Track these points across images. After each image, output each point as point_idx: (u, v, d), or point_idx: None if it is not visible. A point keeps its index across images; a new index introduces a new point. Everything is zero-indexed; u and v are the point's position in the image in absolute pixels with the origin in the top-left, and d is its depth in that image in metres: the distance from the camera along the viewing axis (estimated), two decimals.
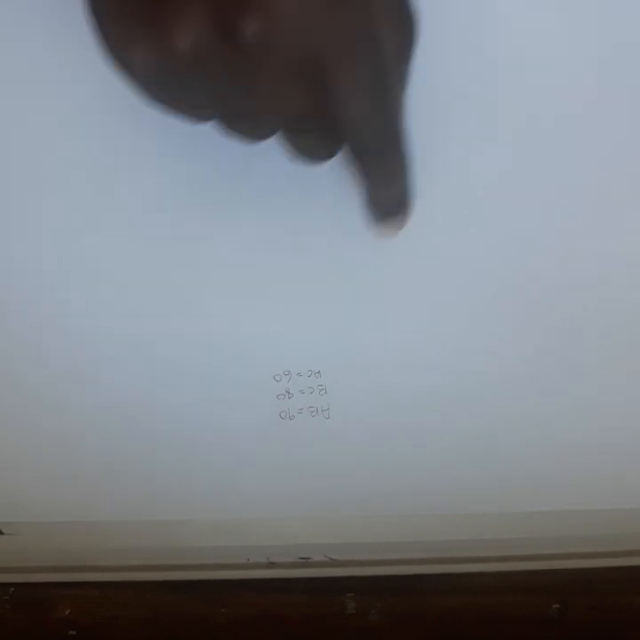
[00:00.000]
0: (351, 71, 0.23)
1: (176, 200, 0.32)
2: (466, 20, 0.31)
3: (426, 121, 0.31)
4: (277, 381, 0.34)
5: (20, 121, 0.32)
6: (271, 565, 0.38)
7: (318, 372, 0.34)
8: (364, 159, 0.26)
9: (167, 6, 0.22)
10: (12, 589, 0.38)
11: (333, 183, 0.32)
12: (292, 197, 0.32)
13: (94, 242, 0.33)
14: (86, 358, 0.34)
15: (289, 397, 0.34)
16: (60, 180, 0.32)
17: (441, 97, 0.31)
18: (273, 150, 0.29)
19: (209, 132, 0.26)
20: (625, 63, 0.31)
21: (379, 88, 0.24)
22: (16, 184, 0.32)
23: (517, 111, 0.32)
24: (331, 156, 0.28)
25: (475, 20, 0.31)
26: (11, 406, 0.35)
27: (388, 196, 0.29)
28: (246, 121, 0.25)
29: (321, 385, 0.34)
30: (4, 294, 0.34)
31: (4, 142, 0.32)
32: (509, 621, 0.37)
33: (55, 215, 0.33)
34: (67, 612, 0.38)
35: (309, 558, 0.37)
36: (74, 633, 0.37)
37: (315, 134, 0.26)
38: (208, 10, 0.21)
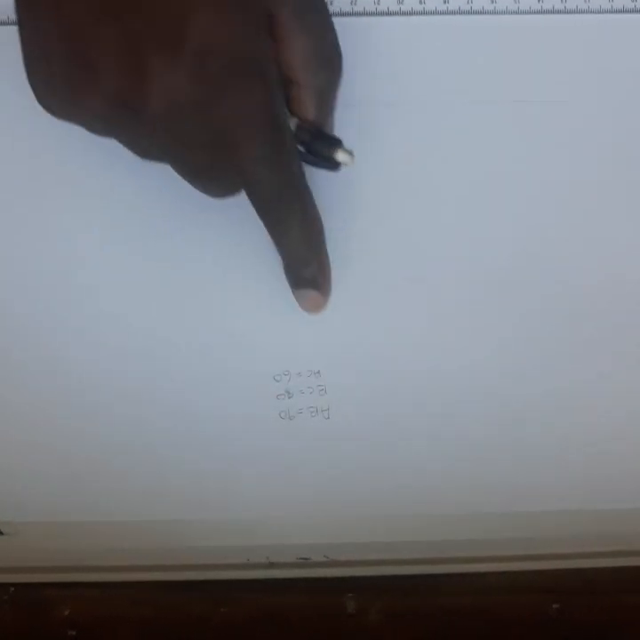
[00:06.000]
0: (250, 144, 0.25)
1: (178, 199, 0.32)
2: None
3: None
4: (277, 381, 0.34)
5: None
6: (271, 565, 0.38)
7: (318, 372, 0.34)
8: (265, 214, 0.27)
9: (80, 76, 0.24)
10: (12, 589, 0.38)
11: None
12: None
13: (96, 240, 0.33)
14: (86, 358, 0.34)
15: (289, 397, 0.34)
16: (61, 181, 0.32)
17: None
18: None
19: None
20: None
21: (275, 157, 0.25)
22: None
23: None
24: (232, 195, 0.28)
25: None
26: (10, 406, 0.35)
27: (298, 261, 0.30)
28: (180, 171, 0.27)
29: (321, 385, 0.34)
30: (3, 293, 0.34)
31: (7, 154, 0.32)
32: (509, 621, 0.37)
33: (54, 215, 0.33)
34: (66, 613, 0.38)
35: (309, 558, 0.37)
36: (73, 633, 0.37)
37: (225, 184, 0.28)
38: (111, 89, 0.23)
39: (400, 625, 0.37)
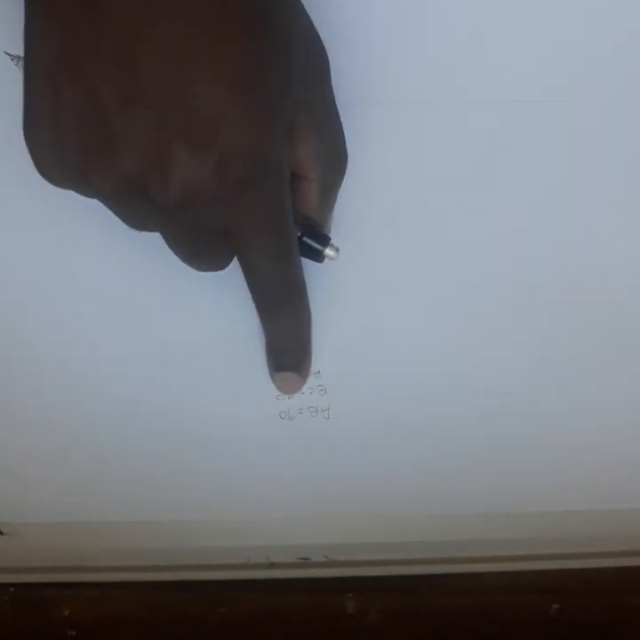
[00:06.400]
0: (258, 244, 0.26)
1: None
2: None
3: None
4: None
5: None
6: (271, 566, 0.38)
7: (318, 372, 0.34)
8: (262, 306, 0.29)
9: (97, 153, 0.23)
10: (12, 589, 0.38)
11: None
12: None
13: (96, 238, 0.33)
14: (85, 359, 0.34)
15: (289, 398, 0.34)
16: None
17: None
18: None
19: None
20: None
21: (280, 254, 0.27)
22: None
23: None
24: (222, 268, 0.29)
25: None
26: (11, 406, 0.35)
27: (284, 347, 0.32)
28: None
29: (321, 385, 0.34)
30: (2, 294, 0.34)
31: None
32: (509, 621, 0.37)
33: (55, 215, 0.33)
34: (66, 613, 0.38)
35: (309, 558, 0.37)
36: (73, 633, 0.37)
37: (212, 266, 0.28)
38: (129, 172, 0.23)
39: (400, 625, 0.37)
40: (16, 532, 0.36)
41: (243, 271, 0.27)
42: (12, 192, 0.33)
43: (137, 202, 0.24)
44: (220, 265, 0.28)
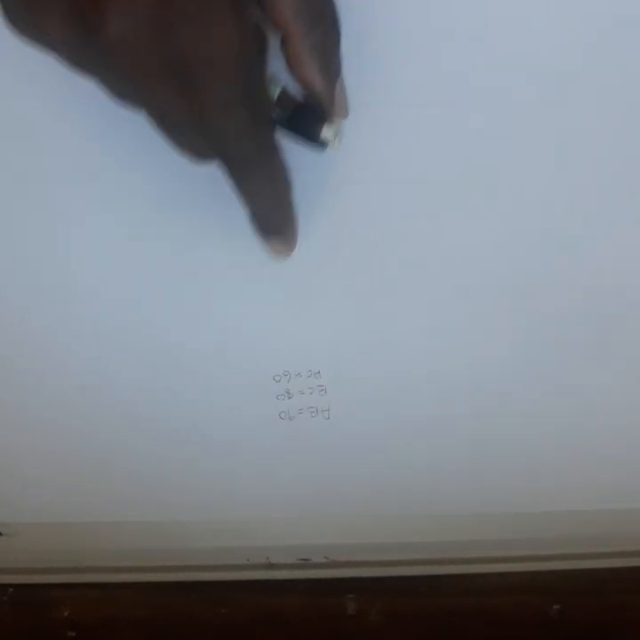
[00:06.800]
0: (213, 83, 0.22)
1: (175, 199, 0.33)
2: None
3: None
4: (277, 382, 0.34)
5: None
6: (271, 566, 0.38)
7: (318, 372, 0.34)
8: (230, 169, 0.26)
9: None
10: (12, 590, 0.38)
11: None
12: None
13: (96, 240, 0.33)
14: (85, 360, 0.34)
15: (289, 398, 0.34)
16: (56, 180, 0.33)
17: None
18: None
19: None
20: None
21: (243, 103, 0.23)
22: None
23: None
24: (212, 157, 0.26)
25: None
26: (11, 407, 0.35)
27: (265, 212, 0.29)
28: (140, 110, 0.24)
29: (321, 385, 0.34)
30: (2, 294, 0.34)
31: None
32: (510, 622, 0.37)
33: (55, 216, 0.33)
34: (66, 613, 0.38)
35: (309, 559, 0.37)
36: (73, 634, 0.37)
37: (192, 134, 0.25)
38: (68, 9, 0.21)
39: (400, 626, 0.37)
40: (16, 532, 0.36)
41: (202, 125, 0.24)
42: (11, 193, 0.33)
43: (89, 44, 0.22)
44: (195, 128, 0.24)
